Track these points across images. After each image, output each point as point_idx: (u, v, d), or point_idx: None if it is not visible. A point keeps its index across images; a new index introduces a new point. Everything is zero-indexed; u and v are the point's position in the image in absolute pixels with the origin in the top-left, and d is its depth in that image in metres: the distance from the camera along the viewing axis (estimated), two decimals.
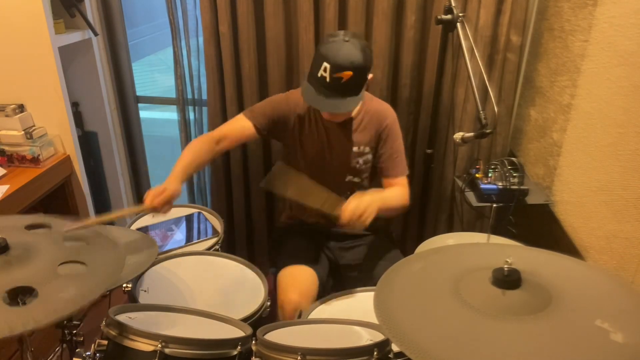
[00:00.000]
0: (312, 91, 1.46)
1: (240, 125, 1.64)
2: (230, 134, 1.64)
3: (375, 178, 1.78)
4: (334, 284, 1.79)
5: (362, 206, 1.42)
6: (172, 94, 2.29)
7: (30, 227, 1.16)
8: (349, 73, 1.41)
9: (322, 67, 1.41)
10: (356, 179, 1.72)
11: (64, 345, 1.27)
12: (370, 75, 1.52)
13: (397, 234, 2.35)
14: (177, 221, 1.87)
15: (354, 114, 1.66)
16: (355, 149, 1.66)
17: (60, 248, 1.09)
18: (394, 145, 1.68)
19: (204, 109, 2.27)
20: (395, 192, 1.67)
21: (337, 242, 1.82)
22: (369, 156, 1.69)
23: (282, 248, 1.79)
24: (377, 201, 1.47)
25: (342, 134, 1.66)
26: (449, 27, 1.73)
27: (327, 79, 1.41)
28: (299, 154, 1.70)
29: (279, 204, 1.88)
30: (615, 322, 0.82)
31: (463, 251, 1.13)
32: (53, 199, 2.06)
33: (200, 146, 1.59)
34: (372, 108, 1.68)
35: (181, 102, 2.27)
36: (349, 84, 1.43)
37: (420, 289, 0.97)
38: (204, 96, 2.23)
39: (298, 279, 1.61)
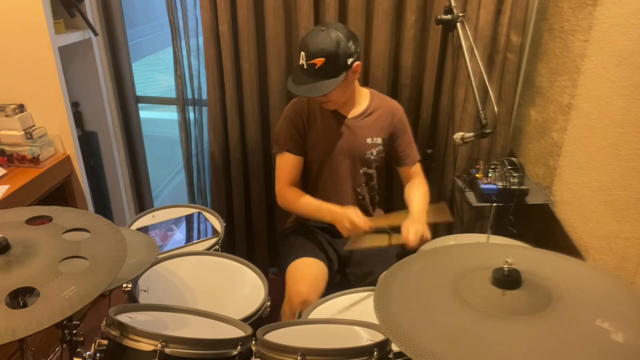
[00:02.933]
0: (291, 80, 1.63)
1: (287, 164, 1.78)
2: (291, 175, 1.78)
3: (383, 169, 1.94)
4: (341, 280, 1.80)
5: (419, 230, 1.59)
6: (172, 94, 2.30)
7: (31, 220, 1.16)
8: (321, 60, 1.56)
9: (301, 56, 1.59)
10: (370, 171, 1.83)
11: (64, 345, 1.27)
12: (356, 63, 1.63)
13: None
14: (177, 221, 1.87)
15: (364, 107, 1.78)
16: (368, 140, 1.77)
17: (61, 243, 1.09)
18: (408, 135, 1.85)
19: (204, 109, 2.27)
20: (422, 193, 1.80)
21: (340, 239, 1.83)
22: (381, 147, 1.80)
23: (290, 244, 1.82)
24: (424, 217, 1.66)
25: (354, 127, 1.77)
26: (449, 27, 1.73)
27: (305, 66, 1.59)
28: (314, 151, 1.79)
29: (279, 207, 1.91)
30: (616, 322, 0.82)
31: (463, 251, 1.13)
32: (53, 199, 2.06)
33: (298, 192, 1.78)
34: (382, 103, 1.82)
35: (181, 102, 2.27)
36: (323, 69, 1.58)
37: (420, 289, 0.97)
38: (204, 96, 2.23)
39: (307, 271, 1.64)
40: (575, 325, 0.83)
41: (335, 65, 1.58)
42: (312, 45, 1.57)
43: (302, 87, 1.59)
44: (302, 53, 1.58)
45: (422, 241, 1.60)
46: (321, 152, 1.78)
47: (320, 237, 1.82)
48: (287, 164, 1.77)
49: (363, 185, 1.84)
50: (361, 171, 1.82)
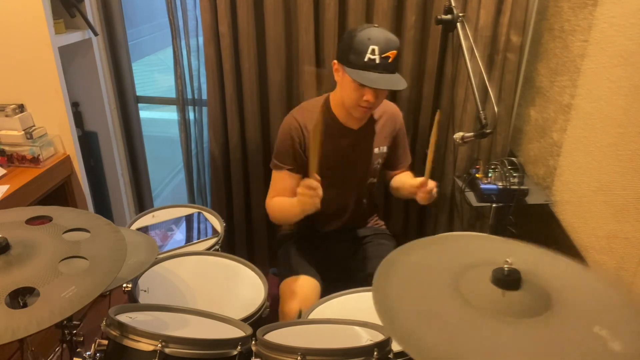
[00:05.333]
0: (365, 75, 1.48)
1: (284, 182, 1.67)
2: (285, 193, 1.66)
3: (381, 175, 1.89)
4: (340, 284, 1.79)
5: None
6: (172, 94, 2.30)
7: (31, 220, 1.16)
8: (395, 52, 1.50)
9: (370, 51, 1.47)
10: (374, 180, 1.80)
11: (64, 345, 1.27)
12: None
13: (397, 234, 2.35)
14: (177, 221, 1.87)
15: (375, 115, 1.73)
16: (376, 150, 1.73)
17: (61, 243, 1.09)
18: (405, 140, 1.83)
19: (204, 109, 2.27)
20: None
21: (340, 244, 1.84)
22: (385, 155, 1.78)
23: (284, 257, 1.80)
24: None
25: (362, 138, 1.71)
26: (449, 27, 1.73)
27: (377, 60, 1.47)
28: (320, 167, 1.65)
29: None
30: (614, 330, 0.81)
31: (463, 245, 1.12)
32: (53, 199, 2.06)
33: (274, 200, 1.70)
34: (383, 108, 1.75)
35: (181, 102, 2.27)
36: (394, 62, 1.51)
37: (420, 287, 0.97)
38: (204, 96, 2.23)
39: (300, 291, 1.62)
40: (573, 331, 0.82)
41: (399, 60, 1.56)
42: (384, 38, 1.48)
43: (382, 81, 1.49)
44: (373, 47, 1.46)
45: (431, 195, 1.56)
46: (327, 168, 1.64)
47: (314, 248, 1.79)
48: (283, 182, 1.68)
49: (368, 195, 1.83)
50: (367, 182, 1.78)
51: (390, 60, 1.49)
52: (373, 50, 1.47)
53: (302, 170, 1.65)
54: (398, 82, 1.52)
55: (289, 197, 1.62)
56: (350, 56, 1.50)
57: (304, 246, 1.79)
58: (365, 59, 1.47)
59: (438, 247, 1.10)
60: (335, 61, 1.58)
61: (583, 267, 1.05)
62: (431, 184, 1.54)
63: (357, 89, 1.52)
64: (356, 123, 1.69)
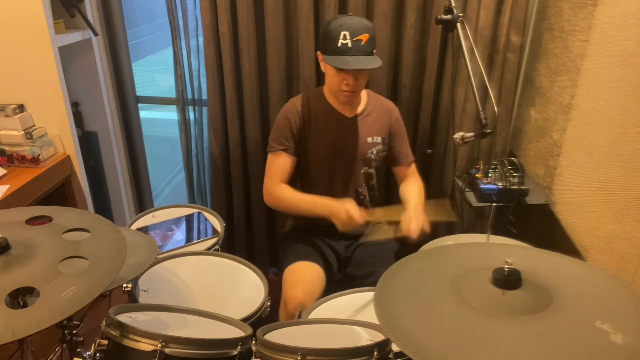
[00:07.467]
0: (338, 59, 1.58)
1: (280, 163, 1.75)
2: (284, 175, 1.75)
3: (382, 169, 1.95)
4: (341, 280, 1.80)
5: (419, 221, 1.57)
6: (172, 94, 2.30)
7: (31, 220, 1.16)
8: (367, 35, 1.58)
9: (342, 36, 1.57)
10: (370, 170, 1.84)
11: (64, 345, 1.27)
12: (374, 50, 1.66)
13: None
14: (177, 221, 1.87)
15: (362, 107, 1.79)
16: (369, 139, 1.78)
17: (61, 243, 1.09)
18: (403, 135, 1.87)
19: (204, 109, 2.27)
20: (417, 188, 1.80)
21: (344, 241, 1.84)
22: (380, 146, 1.81)
23: (289, 247, 1.82)
24: (420, 210, 1.65)
25: (355, 127, 1.77)
26: (449, 27, 1.73)
27: (349, 44, 1.57)
28: (315, 152, 1.78)
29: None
30: (616, 324, 0.82)
31: (463, 251, 1.13)
32: (53, 199, 2.06)
33: (290, 188, 1.75)
34: (379, 102, 1.84)
35: (181, 102, 2.27)
36: (368, 44, 1.59)
37: (420, 289, 0.97)
38: (204, 96, 2.23)
39: (304, 276, 1.63)
40: (575, 326, 0.83)
41: (374, 43, 1.61)
42: (355, 23, 1.58)
43: (355, 62, 1.57)
44: (345, 33, 1.56)
45: (423, 233, 1.58)
46: (322, 153, 1.77)
47: (319, 240, 1.81)
48: (280, 163, 1.75)
49: (364, 185, 1.84)
50: (362, 171, 1.82)
51: (362, 43, 1.57)
52: (344, 35, 1.56)
53: (295, 152, 1.75)
54: (372, 62, 1.59)
55: (307, 195, 1.71)
56: (326, 44, 1.61)
57: (306, 237, 1.82)
58: (339, 45, 1.57)
59: (438, 256, 1.10)
60: (319, 52, 1.68)
61: (581, 263, 1.05)
62: (414, 230, 1.55)
63: (336, 74, 1.62)
64: (349, 111, 1.77)
